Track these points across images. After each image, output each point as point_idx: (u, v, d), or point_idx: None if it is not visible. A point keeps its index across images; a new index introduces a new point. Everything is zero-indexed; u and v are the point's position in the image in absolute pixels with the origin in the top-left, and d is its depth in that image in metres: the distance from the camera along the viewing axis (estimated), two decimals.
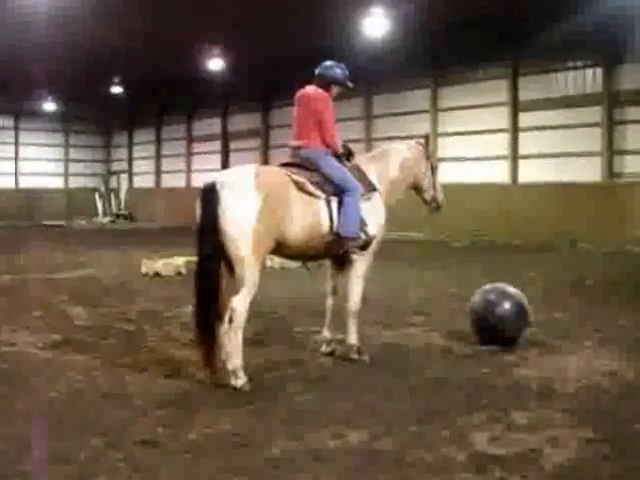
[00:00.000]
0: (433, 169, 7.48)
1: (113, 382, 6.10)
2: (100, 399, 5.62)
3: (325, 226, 6.45)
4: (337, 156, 6.82)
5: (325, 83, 6.91)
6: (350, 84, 7.08)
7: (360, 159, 7.13)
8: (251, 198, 5.89)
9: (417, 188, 7.51)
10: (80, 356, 7.02)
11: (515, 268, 14.00)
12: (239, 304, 5.86)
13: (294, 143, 6.87)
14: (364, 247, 6.69)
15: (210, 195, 5.92)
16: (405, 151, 7.40)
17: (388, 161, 7.20)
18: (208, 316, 5.93)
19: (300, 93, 6.96)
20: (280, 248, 6.30)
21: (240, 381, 5.82)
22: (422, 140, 7.51)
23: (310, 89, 6.93)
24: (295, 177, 6.34)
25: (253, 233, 5.84)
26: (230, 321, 5.86)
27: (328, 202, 6.49)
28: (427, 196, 7.53)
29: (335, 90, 6.98)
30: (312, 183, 6.43)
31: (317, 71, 6.99)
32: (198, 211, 5.99)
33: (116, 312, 9.45)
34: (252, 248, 5.86)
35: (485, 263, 15.15)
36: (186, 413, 5.26)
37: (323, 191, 6.48)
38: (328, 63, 7.01)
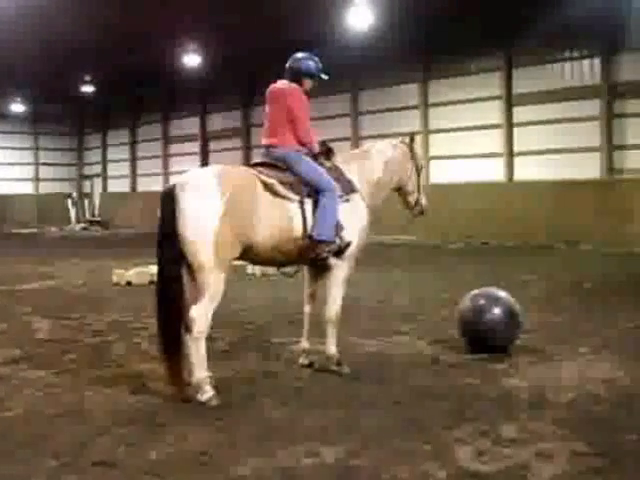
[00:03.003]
0: (418, 170, 7.40)
1: (73, 399, 6.00)
2: (58, 417, 5.52)
3: (298, 230, 6.36)
4: (314, 155, 6.75)
5: (297, 76, 6.83)
6: (324, 76, 7.00)
7: (340, 158, 7.03)
8: (213, 200, 5.81)
9: (401, 190, 7.43)
10: (40, 371, 6.91)
11: (510, 270, 13.98)
12: (199, 313, 5.77)
13: (266, 142, 6.79)
14: (340, 253, 6.60)
15: (169, 198, 5.86)
16: (389, 150, 7.30)
17: (371, 161, 7.12)
18: (171, 327, 5.86)
19: (271, 89, 6.89)
20: (248, 253, 6.22)
21: (206, 395, 5.74)
22: (407, 139, 7.45)
23: (281, 84, 6.86)
24: (264, 178, 6.26)
25: (215, 237, 5.76)
26: (190, 331, 5.78)
27: (301, 204, 6.40)
28: (411, 199, 7.42)
29: (308, 83, 6.89)
30: (283, 184, 6.34)
31: (288, 64, 6.91)
32: (158, 215, 5.92)
33: (82, 324, 9.36)
34: (214, 253, 5.77)
35: (479, 266, 15.13)
36: (149, 431, 5.17)
37: (296, 192, 6.39)
38: (299, 55, 6.94)
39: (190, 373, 5.84)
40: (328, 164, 6.82)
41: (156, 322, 6.05)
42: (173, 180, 6.06)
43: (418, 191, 7.41)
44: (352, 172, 6.90)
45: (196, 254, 5.77)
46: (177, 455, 4.72)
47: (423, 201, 7.46)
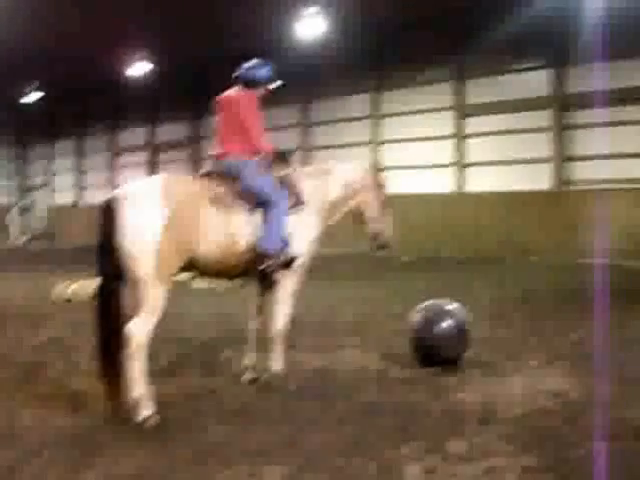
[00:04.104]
0: (382, 202, 7.24)
1: (4, 420, 5.79)
2: None
3: (245, 242, 6.25)
4: (269, 163, 6.64)
5: (248, 84, 6.75)
6: (276, 83, 6.92)
7: (297, 171, 6.95)
8: (155, 211, 5.68)
9: (360, 218, 7.26)
10: None
11: (461, 282, 14.00)
12: (136, 329, 5.62)
13: (215, 151, 6.69)
14: (286, 266, 6.48)
15: (109, 210, 5.73)
16: (350, 172, 7.20)
17: (330, 180, 7.01)
18: (110, 343, 5.70)
19: (221, 97, 6.81)
20: (194, 266, 6.09)
21: (144, 414, 5.58)
22: (372, 166, 7.39)
23: (232, 92, 6.78)
24: (210, 188, 6.15)
25: (155, 251, 5.63)
26: (127, 347, 5.61)
27: (249, 215, 6.30)
28: (370, 230, 7.25)
29: (260, 91, 6.82)
30: (232, 194, 6.24)
31: (239, 72, 6.82)
32: (97, 227, 5.76)
33: (17, 341, 9.08)
34: (154, 267, 5.64)
35: (429, 278, 15.13)
36: (83, 453, 5.00)
37: (244, 203, 6.29)
38: (251, 62, 6.86)
39: (129, 390, 5.67)
40: (281, 174, 6.72)
41: (95, 338, 5.87)
42: (113, 191, 5.89)
43: (380, 222, 7.24)
44: (308, 186, 6.80)
45: (136, 268, 5.63)
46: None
47: (386, 234, 7.28)
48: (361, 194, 7.17)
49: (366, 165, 7.47)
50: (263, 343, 6.79)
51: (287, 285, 6.62)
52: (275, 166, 6.75)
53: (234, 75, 6.81)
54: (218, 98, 6.80)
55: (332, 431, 5.43)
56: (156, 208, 5.70)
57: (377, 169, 7.42)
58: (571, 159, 19.79)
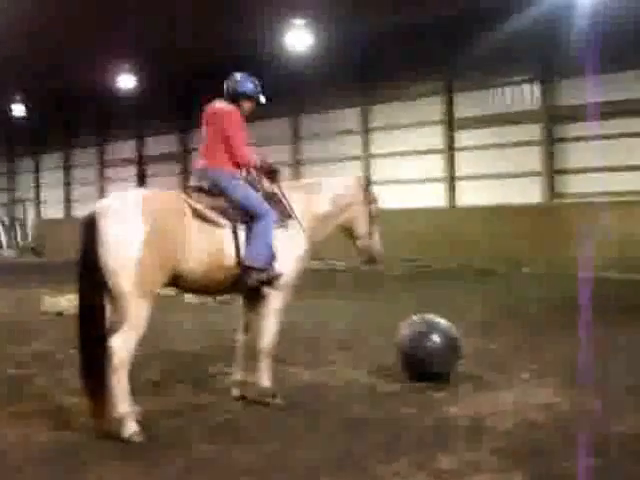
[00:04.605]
0: (372, 217, 7.21)
1: None
2: None
3: (229, 257, 6.21)
4: (256, 176, 6.62)
5: (235, 98, 6.73)
6: (262, 98, 6.91)
7: (285, 186, 6.92)
8: (135, 226, 5.66)
9: (350, 232, 7.24)
10: None
11: (452, 296, 13.99)
12: (118, 344, 5.57)
13: (201, 164, 6.65)
14: (271, 282, 6.44)
15: (90, 224, 5.70)
16: (340, 187, 7.16)
17: (319, 194, 6.97)
18: (93, 358, 5.65)
19: (207, 110, 6.79)
20: (177, 282, 6.06)
21: (129, 431, 5.53)
22: (362, 181, 7.35)
23: (218, 105, 6.75)
24: (193, 203, 6.13)
25: (136, 266, 5.59)
26: (110, 362, 5.56)
27: (234, 230, 6.27)
28: (360, 244, 7.21)
29: (247, 105, 6.80)
30: (215, 209, 6.22)
31: (226, 85, 6.81)
32: (78, 242, 5.73)
33: (5, 355, 9.01)
34: (136, 282, 5.60)
35: (420, 292, 15.10)
36: (67, 470, 4.95)
37: (228, 218, 6.27)
38: (237, 76, 6.83)
39: (113, 407, 5.61)
40: (268, 188, 6.70)
41: (78, 353, 5.82)
42: (94, 206, 5.85)
43: (370, 237, 7.20)
44: (296, 201, 6.76)
45: (117, 283, 5.60)
46: None
47: (375, 249, 7.24)
48: (350, 209, 7.14)
49: (356, 179, 7.44)
50: (252, 358, 6.73)
51: (274, 301, 6.56)
52: (262, 180, 6.73)
53: (224, 87, 6.81)
54: (205, 110, 6.78)
55: (321, 447, 5.38)
56: (136, 223, 5.67)
57: (367, 183, 7.38)
58: (562, 172, 19.86)
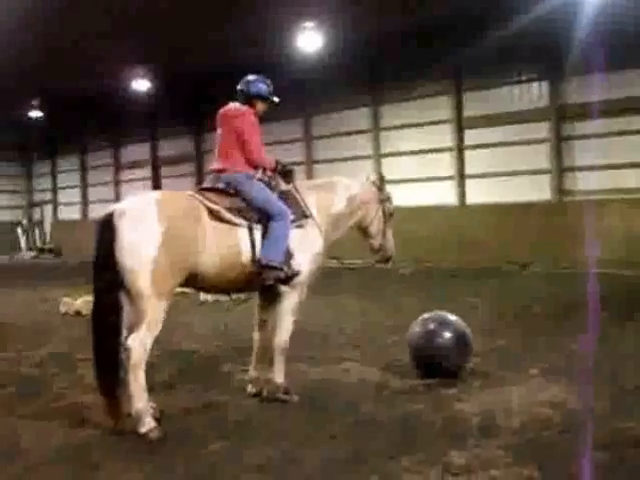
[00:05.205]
0: (386, 215, 7.27)
1: (5, 435, 5.76)
2: None
3: (245, 256, 6.23)
4: (271, 176, 6.63)
5: (249, 99, 6.76)
6: (275, 99, 6.93)
7: (301, 185, 6.94)
8: (152, 227, 5.68)
9: (364, 231, 7.30)
10: None
11: (461, 294, 13.91)
12: (136, 342, 5.60)
13: (216, 165, 6.67)
14: (289, 280, 6.45)
15: (107, 225, 5.71)
16: (355, 187, 7.20)
17: (334, 194, 7.00)
18: (109, 356, 5.67)
19: (221, 111, 6.80)
20: (194, 281, 6.08)
21: (145, 427, 5.55)
22: (377, 180, 7.36)
23: (232, 106, 6.78)
24: (209, 204, 6.15)
25: (153, 266, 5.61)
26: (127, 360, 5.59)
27: (250, 230, 6.29)
28: (374, 243, 7.29)
29: (260, 106, 6.83)
30: (231, 209, 6.23)
31: (239, 86, 6.84)
32: (94, 242, 5.75)
33: (23, 356, 9.05)
34: (152, 282, 5.62)
35: (430, 290, 15.05)
36: (83, 469, 4.97)
37: (244, 218, 6.29)
38: (251, 77, 6.87)
39: (130, 404, 5.63)
40: (283, 188, 6.71)
41: (93, 352, 5.84)
42: (111, 207, 5.88)
43: (383, 236, 7.26)
44: (311, 200, 6.78)
45: (134, 282, 5.62)
46: None
47: (389, 247, 7.31)
48: (365, 208, 7.16)
49: (370, 178, 7.45)
50: (267, 356, 6.75)
51: (290, 299, 6.58)
52: (277, 180, 6.74)
53: (237, 89, 6.83)
54: (219, 112, 6.79)
55: (332, 444, 5.37)
56: (152, 224, 5.69)
57: (381, 182, 7.38)
58: (570, 170, 19.78)
